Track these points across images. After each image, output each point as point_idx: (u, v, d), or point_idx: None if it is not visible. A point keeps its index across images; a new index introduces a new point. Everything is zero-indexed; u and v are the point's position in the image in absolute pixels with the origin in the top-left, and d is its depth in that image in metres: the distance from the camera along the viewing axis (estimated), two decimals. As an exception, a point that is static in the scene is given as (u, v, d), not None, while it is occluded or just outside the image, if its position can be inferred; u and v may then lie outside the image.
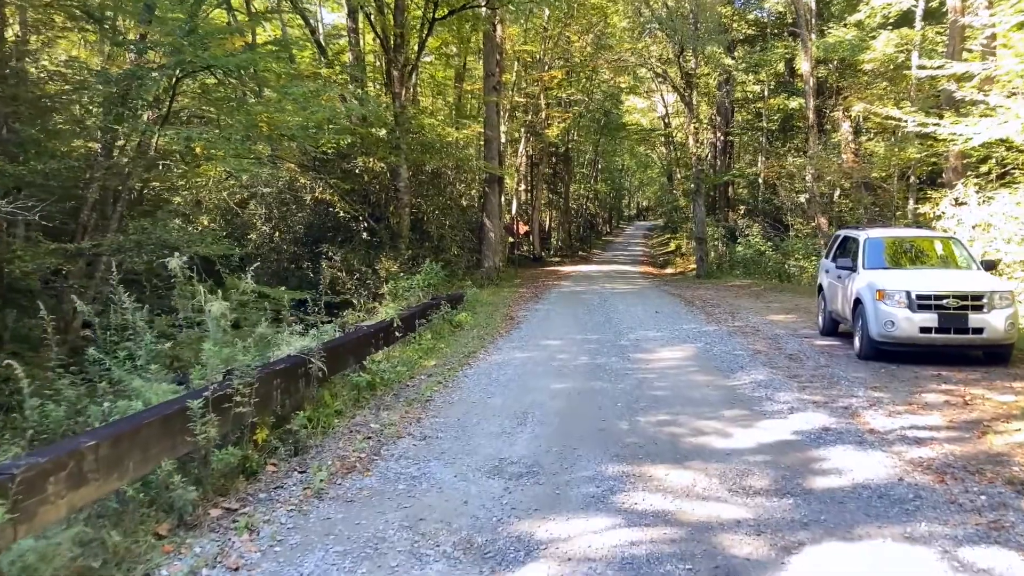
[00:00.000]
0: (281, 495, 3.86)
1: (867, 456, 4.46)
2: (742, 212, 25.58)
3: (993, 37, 11.98)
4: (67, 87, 10.91)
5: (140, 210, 11.08)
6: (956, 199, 12.49)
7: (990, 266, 8.12)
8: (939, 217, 12.73)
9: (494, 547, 3.27)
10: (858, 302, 7.71)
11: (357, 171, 16.65)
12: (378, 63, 19.96)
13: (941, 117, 11.76)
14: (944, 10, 14.89)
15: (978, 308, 7.04)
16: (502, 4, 17.83)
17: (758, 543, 3.27)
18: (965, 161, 13.35)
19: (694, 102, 23.33)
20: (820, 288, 9.73)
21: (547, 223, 33.97)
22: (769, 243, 20.67)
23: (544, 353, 8.31)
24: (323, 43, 18.35)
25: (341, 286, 13.69)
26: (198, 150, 11.24)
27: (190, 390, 4.04)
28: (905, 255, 8.70)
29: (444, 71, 25.10)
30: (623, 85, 29.71)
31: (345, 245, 15.67)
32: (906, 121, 13.23)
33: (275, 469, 4.24)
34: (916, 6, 16.21)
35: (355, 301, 12.14)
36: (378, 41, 17.22)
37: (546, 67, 25.01)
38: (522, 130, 26.71)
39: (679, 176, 33.23)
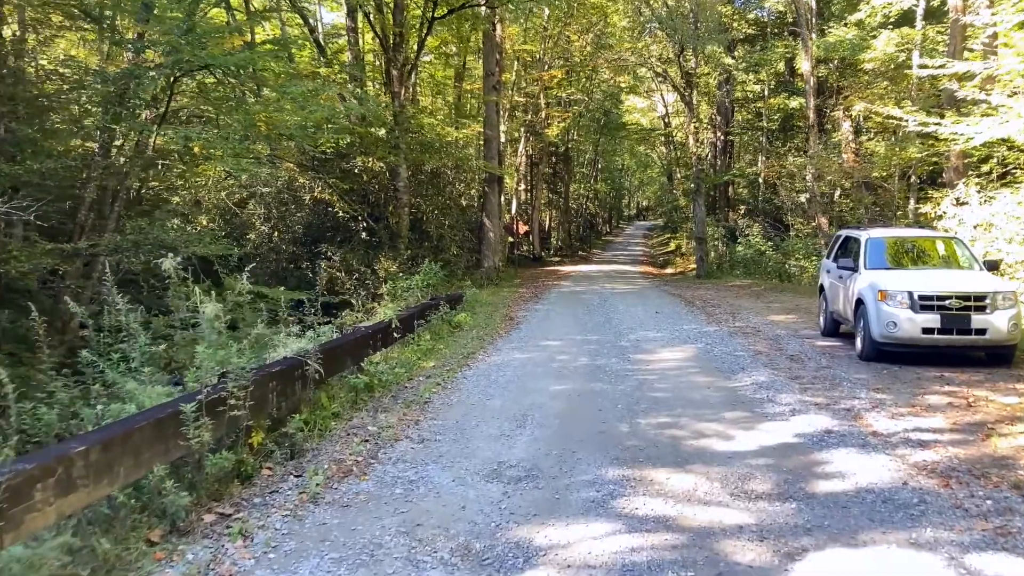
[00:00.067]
0: (276, 500, 3.80)
1: (870, 459, 4.41)
2: (742, 212, 25.52)
3: (995, 36, 11.92)
4: (65, 86, 10.86)
5: (138, 210, 11.02)
6: (957, 199, 12.43)
7: (993, 266, 8.06)
8: (940, 217, 12.67)
9: (492, 553, 3.22)
10: (860, 302, 7.65)
11: (356, 171, 16.59)
12: (377, 63, 19.91)
13: (942, 117, 11.71)
14: (945, 9, 14.84)
15: (981, 309, 6.99)
16: (502, 3, 17.78)
17: (761, 549, 3.22)
18: (966, 161, 13.29)
19: (694, 102, 23.27)
20: (821, 288, 9.67)
21: (547, 223, 33.91)
22: (769, 243, 20.61)
23: (544, 354, 8.25)
24: (322, 42, 18.29)
25: (340, 286, 13.63)
26: (196, 150, 11.19)
27: (184, 393, 3.98)
28: (907, 255, 8.65)
29: (444, 71, 25.04)
30: (623, 85, 29.66)
31: (344, 245, 15.61)
32: (907, 121, 13.16)
33: (271, 473, 4.18)
34: (917, 5, 16.16)
35: (354, 301, 12.08)
36: (377, 40, 17.16)
37: (546, 66, 24.95)
38: (522, 130, 26.66)
39: (679, 176, 33.17)
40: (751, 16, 25.72)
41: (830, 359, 7.64)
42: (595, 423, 5.32)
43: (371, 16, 16.62)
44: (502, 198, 22.13)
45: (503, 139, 22.56)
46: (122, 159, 10.31)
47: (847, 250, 8.90)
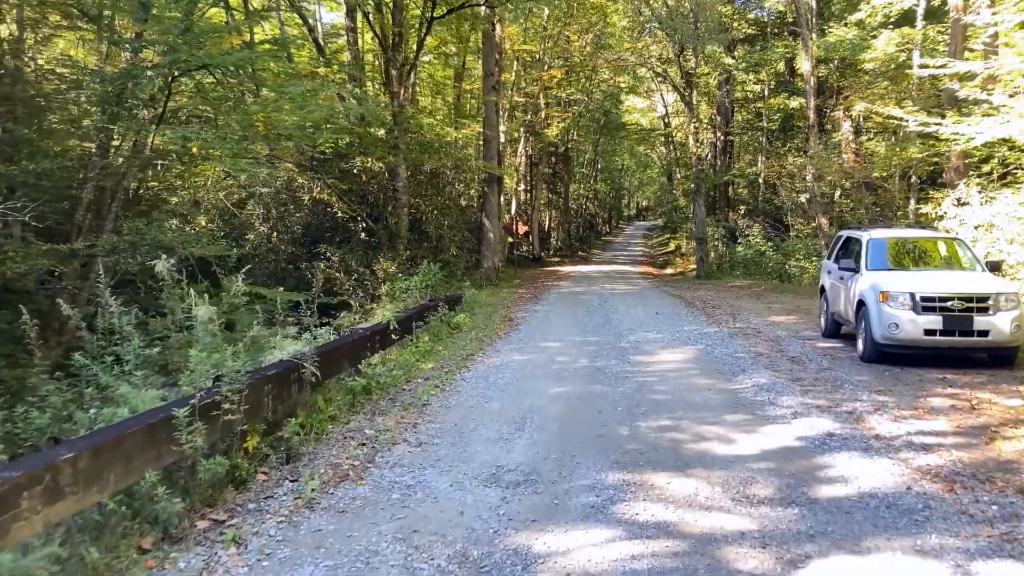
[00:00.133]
0: (271, 505, 3.74)
1: (873, 463, 4.36)
2: (742, 212, 25.46)
3: (996, 36, 11.88)
4: (62, 86, 10.81)
5: (136, 210, 10.97)
6: (958, 199, 12.38)
7: (995, 267, 7.99)
8: (941, 217, 12.62)
9: (490, 561, 3.16)
10: (861, 304, 7.60)
11: (355, 171, 16.54)
12: (377, 62, 19.85)
13: (943, 117, 11.65)
14: (946, 9, 14.79)
15: (983, 310, 6.93)
16: (501, 3, 17.72)
17: (763, 556, 3.17)
18: (967, 161, 13.25)
19: (694, 102, 23.22)
20: (822, 289, 9.62)
21: (546, 223, 33.86)
22: (769, 243, 20.56)
23: (543, 355, 8.20)
24: (321, 42, 18.23)
25: (339, 287, 13.57)
26: (195, 150, 11.13)
27: (178, 396, 3.93)
28: (908, 256, 8.60)
29: (443, 71, 24.98)
30: (623, 85, 29.61)
31: (343, 245, 15.55)
32: (907, 121, 13.12)
33: (266, 478, 4.13)
34: (917, 5, 16.11)
35: (352, 302, 12.02)
36: (376, 40, 17.10)
37: (545, 66, 24.90)
38: (521, 130, 26.60)
39: (679, 176, 33.13)
40: (751, 16, 25.67)
41: (831, 361, 7.58)
42: (595, 426, 5.27)
43: (370, 16, 16.57)
44: (502, 198, 22.07)
45: (503, 139, 22.50)
46: (120, 159, 10.26)
47: (848, 251, 8.85)
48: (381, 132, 16.10)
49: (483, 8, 17.92)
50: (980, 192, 12.10)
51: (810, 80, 18.92)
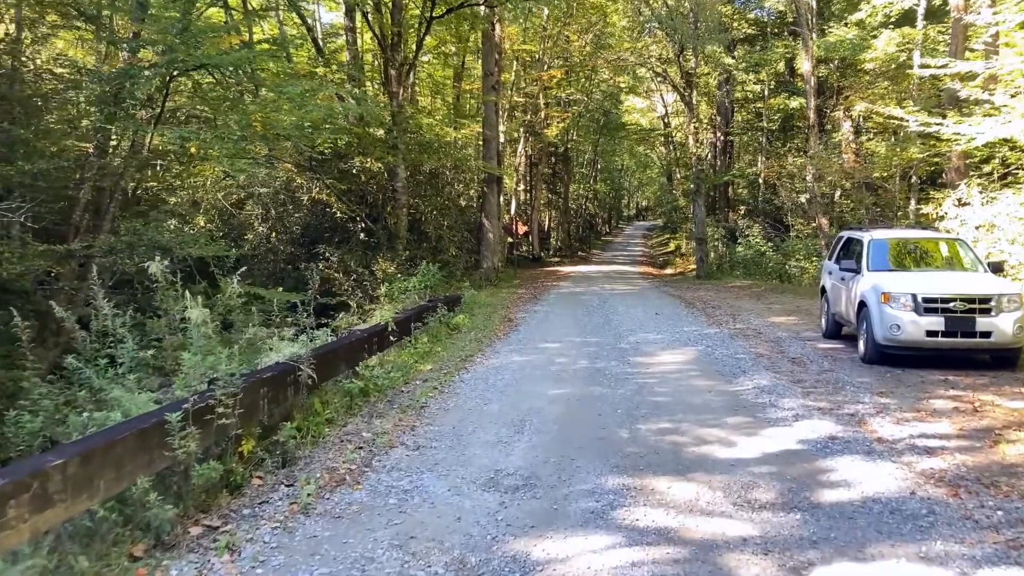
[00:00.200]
0: (266, 511, 3.69)
1: (876, 467, 4.30)
2: (742, 212, 25.42)
3: (997, 36, 11.84)
4: (60, 86, 10.75)
5: (134, 211, 10.91)
6: (959, 199, 12.33)
7: (997, 268, 7.95)
8: (942, 218, 12.57)
9: (488, 568, 3.11)
10: (862, 305, 7.55)
11: (354, 171, 16.48)
12: (376, 62, 19.79)
13: (944, 117, 11.61)
14: (946, 8, 14.75)
15: (986, 311, 6.89)
16: (500, 3, 17.67)
17: (766, 563, 3.11)
18: (968, 161, 13.20)
19: (694, 102, 23.17)
20: (823, 290, 9.57)
21: (546, 223, 33.81)
22: (769, 244, 20.51)
23: (542, 357, 8.15)
24: (320, 42, 18.18)
25: (337, 287, 13.51)
26: (193, 150, 11.08)
27: (172, 400, 3.87)
28: (910, 257, 8.55)
29: (443, 71, 24.93)
30: (622, 85, 29.56)
31: (342, 246, 15.50)
32: (908, 121, 13.07)
33: (261, 483, 4.07)
34: (918, 5, 16.07)
35: (351, 303, 11.97)
36: (376, 40, 17.05)
37: (545, 66, 24.85)
38: (521, 130, 26.55)
39: (679, 176, 33.09)
40: (751, 16, 25.63)
41: (832, 362, 7.53)
42: (594, 428, 5.21)
43: (369, 16, 16.51)
44: (501, 198, 22.01)
45: (502, 139, 22.45)
46: (117, 160, 10.20)
47: (849, 251, 8.80)
48: (380, 132, 16.05)
49: (482, 8, 17.87)
50: (981, 192, 12.05)
51: (810, 80, 18.87)
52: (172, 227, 11.39)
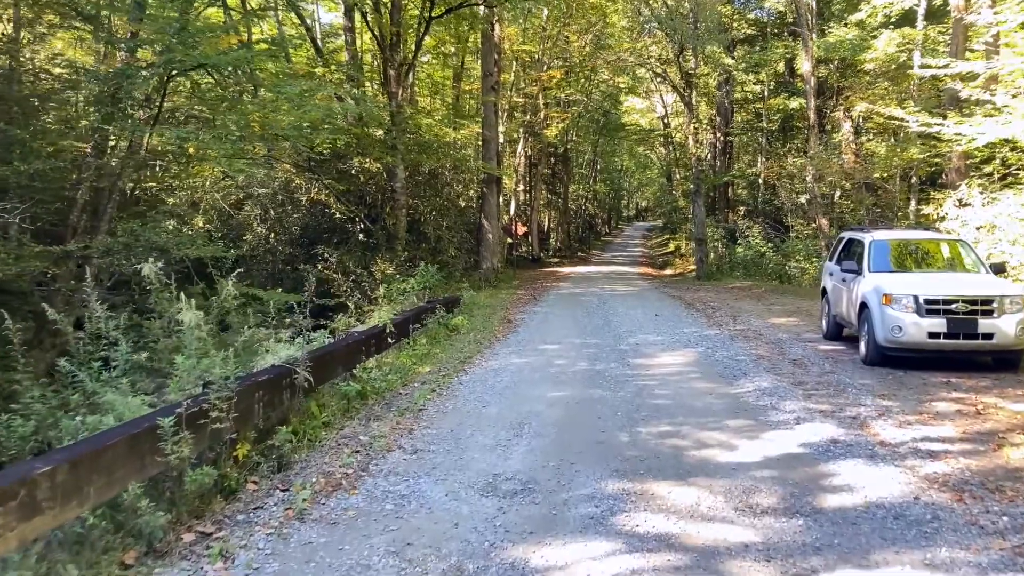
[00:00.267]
0: (261, 516, 3.63)
1: (879, 471, 4.25)
2: (742, 213, 25.38)
3: (997, 36, 11.80)
4: (57, 86, 10.70)
5: (133, 211, 10.86)
6: (960, 200, 12.30)
7: (999, 269, 7.91)
8: (943, 219, 12.54)
9: (486, 575, 3.06)
10: (864, 306, 7.50)
11: (353, 172, 16.43)
12: (375, 63, 19.74)
13: (945, 117, 11.57)
14: (947, 9, 14.71)
15: (988, 313, 6.84)
16: (500, 3, 17.62)
17: (768, 570, 3.06)
18: (968, 162, 13.16)
19: (694, 102, 23.13)
20: (824, 291, 9.52)
21: (546, 224, 33.76)
22: (769, 244, 20.47)
23: (542, 358, 8.10)
24: (319, 43, 18.13)
25: (336, 288, 13.46)
26: (191, 150, 11.03)
27: (166, 404, 3.82)
28: (911, 258, 8.51)
29: (442, 71, 24.88)
30: (622, 85, 29.51)
31: (341, 247, 15.44)
32: (909, 121, 13.03)
33: (256, 487, 4.02)
34: (918, 5, 16.03)
35: (349, 304, 11.92)
36: (375, 40, 17.00)
37: (545, 67, 24.80)
38: (520, 130, 26.49)
39: (678, 177, 33.06)
40: (751, 16, 25.60)
41: (834, 364, 7.48)
42: (594, 432, 5.16)
43: (368, 16, 16.46)
44: (501, 199, 21.95)
45: (502, 140, 22.40)
46: (114, 160, 10.14)
47: (850, 252, 8.75)
48: (379, 132, 15.99)
49: (482, 8, 17.82)
50: (982, 193, 12.01)
51: (810, 80, 18.83)
52: (170, 228, 11.34)
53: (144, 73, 9.50)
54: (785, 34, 23.00)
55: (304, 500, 3.80)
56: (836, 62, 19.89)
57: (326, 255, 14.30)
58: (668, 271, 25.77)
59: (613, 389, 6.47)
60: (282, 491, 3.99)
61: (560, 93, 27.07)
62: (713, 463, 4.46)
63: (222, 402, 3.69)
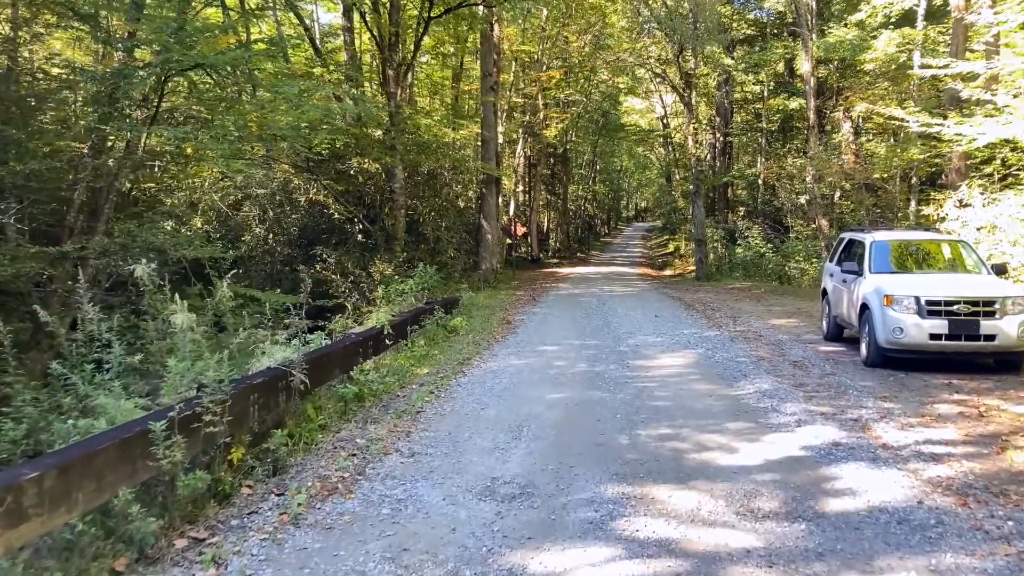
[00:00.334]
0: (255, 521, 3.58)
1: (882, 474, 4.20)
2: (742, 213, 25.35)
3: (998, 36, 11.77)
4: (54, 85, 10.64)
5: (130, 212, 10.81)
6: (960, 201, 12.26)
7: (1001, 270, 7.87)
8: (943, 219, 12.50)
9: (483, 582, 3.01)
10: (865, 307, 7.46)
11: (352, 172, 16.38)
12: (374, 63, 19.69)
13: (945, 117, 11.54)
14: (947, 9, 14.68)
15: (990, 314, 6.80)
16: (499, 3, 17.57)
17: (770, 577, 3.01)
18: (968, 162, 13.13)
19: (693, 102, 23.09)
20: (824, 292, 9.48)
21: (545, 224, 33.71)
22: (769, 245, 20.43)
23: (541, 360, 8.05)
24: (318, 43, 18.08)
25: (335, 289, 13.41)
26: (189, 151, 10.98)
27: (159, 407, 3.76)
28: (912, 259, 8.46)
29: (441, 71, 24.84)
30: (621, 85, 29.48)
31: (339, 247, 15.39)
32: (909, 121, 12.99)
33: (250, 492, 3.96)
34: (918, 5, 16.00)
35: (347, 305, 11.85)
36: (374, 40, 16.95)
37: (544, 67, 24.75)
38: (520, 131, 26.45)
39: (678, 177, 33.02)
40: (750, 16, 25.57)
41: (834, 365, 7.44)
42: (593, 434, 5.11)
43: (367, 16, 16.42)
44: (500, 199, 21.90)
45: (501, 140, 22.35)
46: (111, 160, 10.09)
47: (851, 253, 8.71)
48: (378, 133, 15.95)
49: (481, 8, 17.78)
50: (982, 194, 11.98)
51: (810, 81, 18.80)
52: (167, 229, 11.28)
53: (141, 73, 9.45)
54: (785, 34, 22.97)
55: (299, 504, 3.75)
56: (836, 62, 19.85)
57: (324, 256, 14.25)
58: (667, 272, 25.73)
59: (612, 391, 6.42)
60: (277, 495, 3.93)
61: (559, 93, 27.03)
62: (714, 466, 4.41)
63: (216, 405, 3.64)
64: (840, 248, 9.38)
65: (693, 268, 22.09)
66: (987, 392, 6.17)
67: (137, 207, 11.58)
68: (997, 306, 6.80)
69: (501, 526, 3.55)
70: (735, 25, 24.62)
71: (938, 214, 12.94)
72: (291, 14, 17.34)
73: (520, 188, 28.59)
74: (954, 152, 12.70)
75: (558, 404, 5.99)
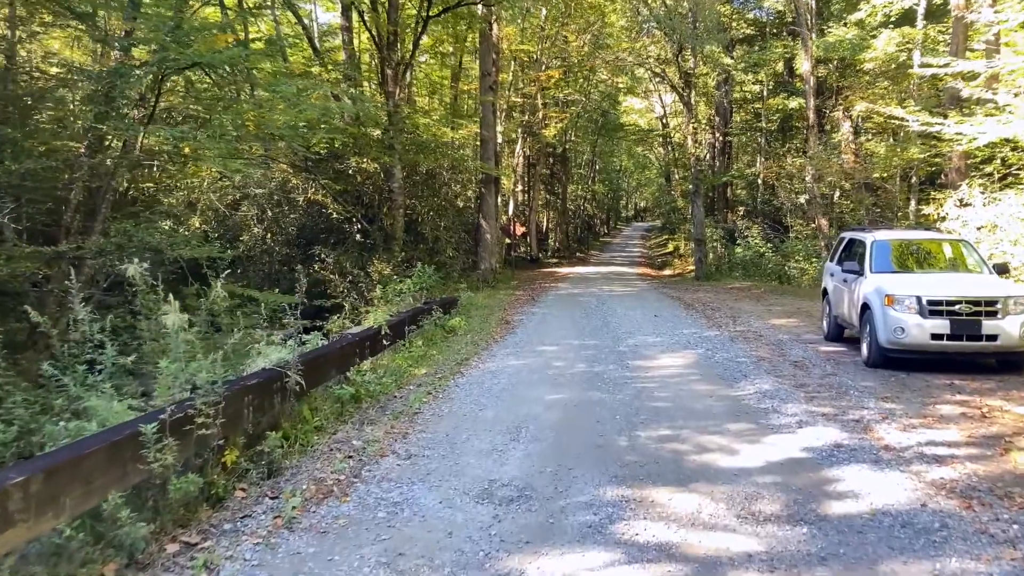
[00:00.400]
0: (248, 525, 3.52)
1: (884, 476, 4.15)
2: (741, 213, 25.31)
3: (998, 35, 11.72)
4: (51, 84, 10.58)
5: (128, 212, 10.74)
6: (960, 200, 12.22)
7: (1002, 270, 7.82)
8: (943, 219, 12.46)
9: (480, 587, 2.95)
10: (866, 307, 7.41)
11: (350, 172, 16.32)
12: (373, 62, 19.64)
13: (945, 117, 11.49)
14: (946, 8, 14.64)
15: (992, 314, 6.75)
16: (497, 2, 17.53)
17: (772, 582, 2.96)
18: (968, 161, 13.09)
19: (692, 102, 23.04)
20: (824, 292, 9.43)
21: (544, 224, 33.66)
22: (769, 244, 20.39)
23: (540, 360, 7.99)
24: (317, 42, 18.01)
25: (333, 289, 13.35)
26: (187, 150, 10.91)
27: (152, 409, 3.71)
28: (913, 258, 8.41)
29: (440, 71, 24.79)
30: (621, 85, 29.43)
31: (338, 247, 15.33)
32: (909, 121, 12.95)
33: (244, 495, 3.90)
34: (918, 5, 15.96)
35: (345, 305, 11.80)
36: (372, 40, 16.90)
37: (543, 67, 24.70)
38: (519, 130, 26.40)
39: (677, 177, 32.99)
40: (750, 16, 25.54)
41: (835, 366, 7.39)
42: (592, 436, 5.06)
43: (365, 15, 16.36)
44: (499, 199, 21.85)
45: (500, 140, 22.29)
46: (108, 160, 10.03)
47: (851, 253, 8.66)
48: (376, 132, 15.89)
49: (479, 7, 17.72)
50: (982, 193, 11.94)
51: (809, 80, 18.75)
52: (165, 228, 11.22)
53: (138, 72, 9.39)
54: (784, 34, 22.93)
55: (294, 508, 3.69)
56: (835, 62, 19.81)
57: (323, 256, 14.19)
58: (667, 271, 25.68)
59: (612, 391, 6.37)
60: (271, 498, 3.88)
61: (558, 93, 26.98)
62: (714, 468, 4.36)
63: (209, 407, 3.58)
64: (841, 247, 9.33)
65: (692, 268, 22.04)
66: (989, 393, 6.12)
67: (135, 207, 11.52)
68: (999, 306, 6.75)
69: (498, 530, 3.49)
70: (734, 24, 24.58)
71: (938, 213, 12.90)
72: (289, 13, 17.28)
73: (519, 188, 28.53)
74: (954, 151, 12.66)
75: (557, 405, 5.93)
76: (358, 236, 16.13)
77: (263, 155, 13.74)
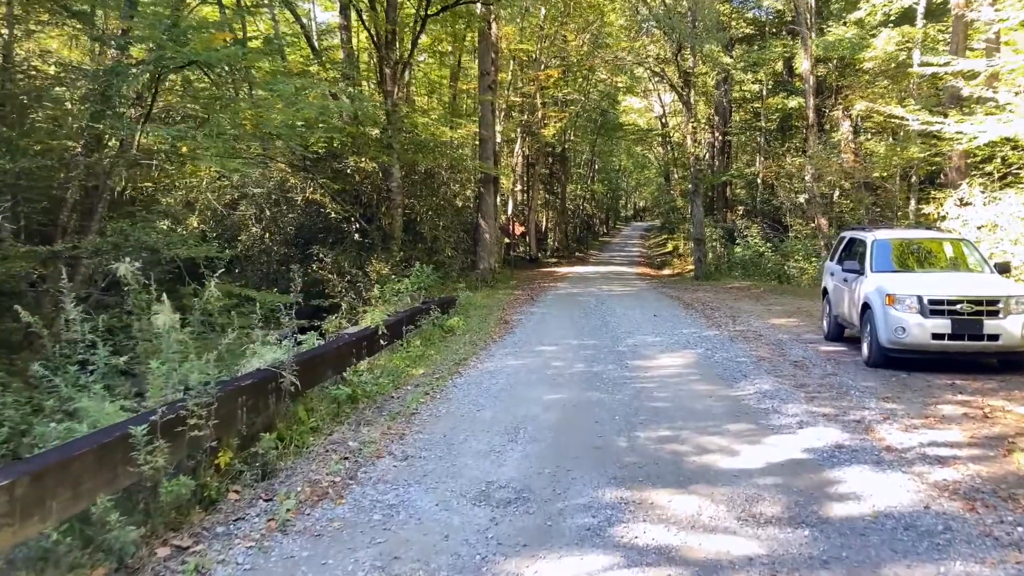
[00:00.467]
0: (241, 528, 3.47)
1: (886, 478, 4.10)
2: (740, 212, 25.25)
3: (999, 34, 11.68)
4: (48, 83, 10.52)
5: (125, 211, 10.69)
6: (961, 199, 12.18)
7: (1003, 269, 7.77)
8: (943, 218, 12.43)
9: (476, 592, 2.90)
10: (866, 307, 7.36)
11: (348, 171, 16.27)
12: (371, 61, 19.58)
13: (945, 116, 11.45)
14: (946, 7, 14.60)
15: (993, 313, 6.70)
16: (496, 1, 17.47)
17: (774, 586, 2.91)
18: (969, 160, 13.05)
19: (692, 101, 22.99)
20: (825, 291, 9.38)
21: (543, 224, 33.62)
22: (768, 244, 20.34)
23: (538, 360, 7.94)
24: (315, 41, 17.97)
25: (331, 289, 13.29)
26: (184, 149, 10.85)
27: (146, 410, 3.65)
28: (914, 257, 8.37)
29: (439, 70, 24.73)
30: (620, 84, 29.39)
31: (336, 247, 15.27)
32: (909, 120, 12.90)
33: (238, 497, 3.85)
34: (917, 4, 15.92)
35: (343, 305, 11.75)
36: (371, 39, 16.84)
37: (542, 66, 24.65)
38: (518, 130, 26.35)
39: (676, 176, 32.96)
40: (749, 15, 25.50)
41: (836, 365, 7.34)
42: (591, 436, 5.01)
43: (364, 14, 16.31)
44: (498, 199, 21.81)
45: (499, 139, 22.24)
46: (105, 159, 9.97)
47: (852, 252, 8.61)
48: (375, 131, 15.83)
49: (478, 6, 17.67)
50: (983, 192, 11.90)
51: (809, 79, 18.71)
52: (162, 228, 11.16)
53: (134, 70, 9.34)
54: (784, 33, 22.88)
55: (288, 511, 3.64)
56: (835, 61, 19.76)
57: (321, 255, 14.14)
58: (666, 271, 25.64)
59: (611, 392, 6.32)
60: (265, 501, 3.82)
61: (558, 92, 26.93)
62: (714, 469, 4.31)
63: (201, 408, 3.53)
64: (841, 247, 9.28)
65: (692, 267, 22.00)
66: (991, 393, 6.08)
67: (133, 206, 11.48)
68: (1001, 305, 6.70)
69: (496, 533, 3.44)
70: (734, 24, 24.54)
71: (938, 213, 12.86)
72: (288, 12, 17.23)
73: (518, 187, 28.48)
74: (954, 150, 12.62)
75: (555, 405, 5.88)
76: (356, 236, 16.08)
77: (261, 154, 13.70)
